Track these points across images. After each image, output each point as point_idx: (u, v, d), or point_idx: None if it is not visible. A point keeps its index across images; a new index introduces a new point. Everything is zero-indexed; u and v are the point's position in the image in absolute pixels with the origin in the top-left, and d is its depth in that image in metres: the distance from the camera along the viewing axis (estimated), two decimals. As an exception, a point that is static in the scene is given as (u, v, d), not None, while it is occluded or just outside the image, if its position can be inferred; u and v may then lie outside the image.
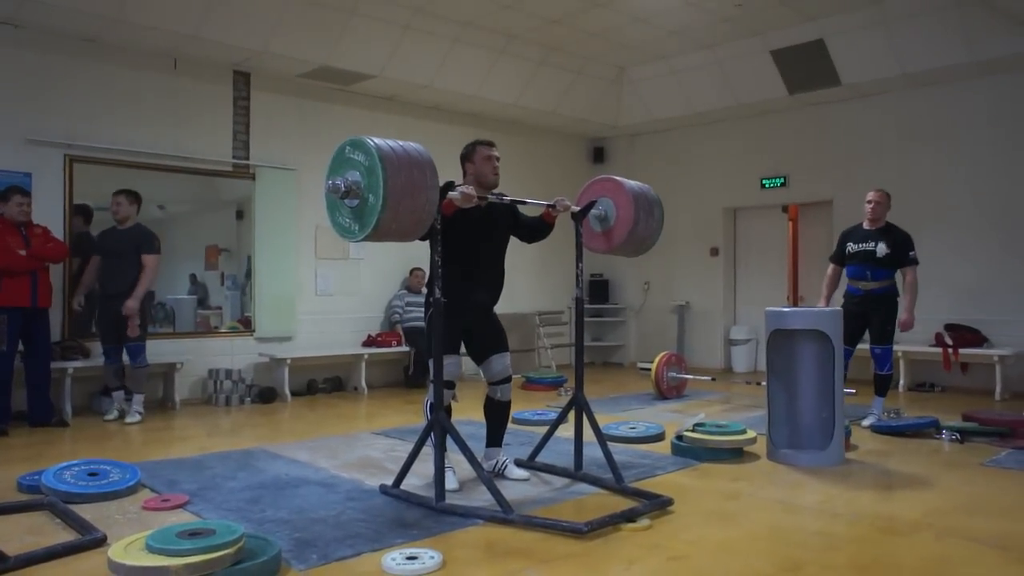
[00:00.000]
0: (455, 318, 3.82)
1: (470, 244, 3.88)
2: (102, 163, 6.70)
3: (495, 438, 4.19)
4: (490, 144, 4.00)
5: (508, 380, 4.09)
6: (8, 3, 5.90)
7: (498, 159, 3.97)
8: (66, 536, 3.16)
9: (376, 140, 3.20)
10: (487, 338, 4.05)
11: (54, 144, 6.46)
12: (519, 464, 4.25)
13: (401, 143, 3.27)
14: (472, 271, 3.93)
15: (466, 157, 3.99)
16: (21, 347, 5.72)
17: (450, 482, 3.78)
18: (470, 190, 3.62)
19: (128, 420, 5.97)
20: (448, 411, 3.79)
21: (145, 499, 3.72)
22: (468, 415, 5.55)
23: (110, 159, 6.73)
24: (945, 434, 5.16)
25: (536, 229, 4.18)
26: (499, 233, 4.06)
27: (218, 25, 6.57)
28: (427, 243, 3.63)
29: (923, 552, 3.02)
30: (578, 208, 4.19)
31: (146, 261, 6.04)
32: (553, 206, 4.04)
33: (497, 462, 4.13)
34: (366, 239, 3.22)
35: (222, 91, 7.42)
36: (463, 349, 4.08)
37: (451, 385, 3.92)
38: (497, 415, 4.16)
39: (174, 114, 7.11)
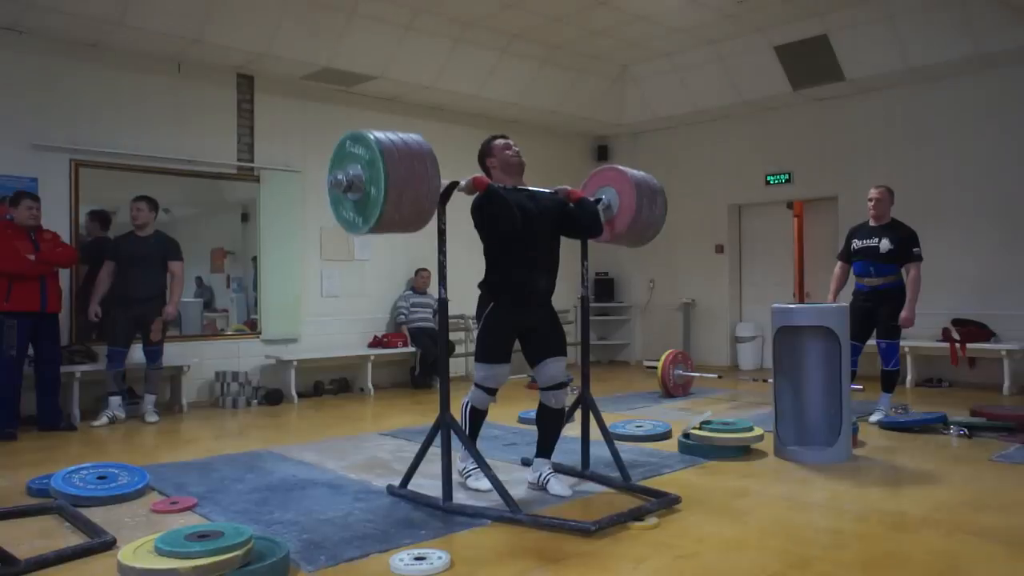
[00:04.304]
0: (512, 314, 3.73)
1: (524, 231, 3.67)
2: (107, 167, 6.72)
3: (545, 448, 3.93)
4: (503, 136, 4.00)
5: (562, 386, 3.86)
6: (12, 9, 5.92)
7: (516, 145, 3.96)
8: (75, 539, 3.17)
9: (375, 133, 3.23)
10: (545, 339, 3.84)
11: (59, 149, 6.48)
12: (525, 463, 4.24)
13: (400, 135, 3.30)
14: (529, 258, 3.75)
15: (485, 153, 3.93)
16: (30, 352, 5.74)
17: (480, 483, 3.78)
18: (482, 176, 3.65)
19: (149, 419, 6.17)
20: (484, 413, 3.86)
21: (154, 502, 3.74)
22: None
23: (115, 163, 6.76)
24: (953, 429, 5.15)
25: (577, 217, 3.94)
26: (547, 220, 3.87)
27: (221, 28, 6.59)
28: (434, 244, 3.62)
29: (931, 548, 3.01)
30: None
31: (175, 268, 6.35)
32: (555, 193, 4.04)
33: (541, 474, 3.89)
34: (371, 231, 3.25)
35: (226, 94, 7.44)
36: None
37: (494, 392, 3.82)
38: (550, 423, 3.91)
39: (178, 117, 7.13)
